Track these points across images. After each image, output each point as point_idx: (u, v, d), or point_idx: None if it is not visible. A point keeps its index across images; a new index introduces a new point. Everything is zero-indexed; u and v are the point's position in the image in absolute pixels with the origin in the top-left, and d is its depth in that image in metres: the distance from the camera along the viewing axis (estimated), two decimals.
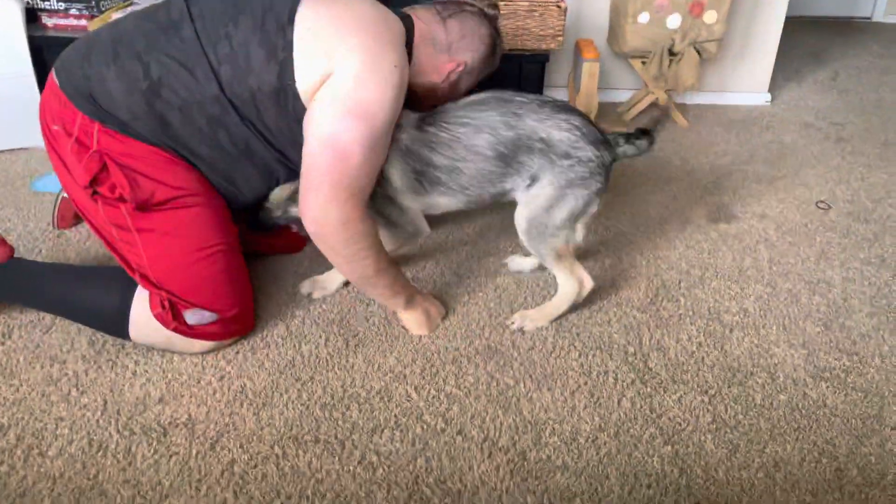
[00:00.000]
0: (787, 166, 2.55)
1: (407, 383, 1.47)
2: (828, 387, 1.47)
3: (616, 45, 2.85)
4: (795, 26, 4.65)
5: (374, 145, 1.39)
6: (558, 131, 1.50)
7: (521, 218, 1.59)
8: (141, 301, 1.47)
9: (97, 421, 1.35)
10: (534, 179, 1.54)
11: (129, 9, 2.55)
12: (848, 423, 1.39)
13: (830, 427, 1.38)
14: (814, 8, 5.05)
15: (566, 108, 1.55)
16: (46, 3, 2.47)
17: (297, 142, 1.43)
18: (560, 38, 2.39)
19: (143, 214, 1.42)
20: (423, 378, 1.48)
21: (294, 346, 1.57)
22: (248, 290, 1.59)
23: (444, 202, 1.62)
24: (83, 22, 2.50)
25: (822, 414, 1.41)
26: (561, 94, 3.17)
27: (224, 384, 1.45)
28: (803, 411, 1.41)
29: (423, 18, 1.55)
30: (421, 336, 1.60)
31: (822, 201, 2.28)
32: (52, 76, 1.43)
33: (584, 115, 1.56)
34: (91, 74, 1.38)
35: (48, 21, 2.51)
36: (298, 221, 1.50)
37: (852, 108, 3.19)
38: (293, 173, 1.55)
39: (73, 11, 2.50)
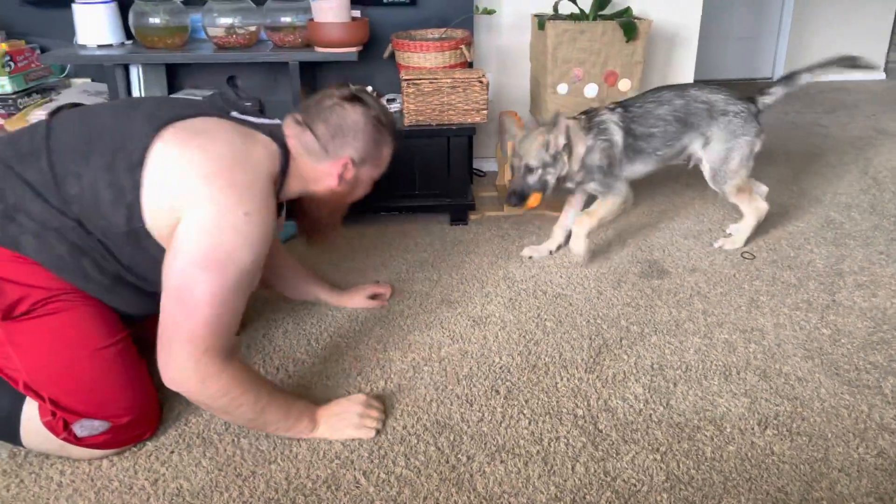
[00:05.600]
0: (710, 220, 2.66)
1: (355, 468, 1.41)
2: (773, 434, 1.49)
3: (539, 115, 2.95)
4: None
5: (226, 299, 1.29)
6: (713, 94, 2.24)
7: (706, 170, 2.29)
8: (32, 407, 1.38)
9: None
10: (707, 140, 2.24)
11: (45, 107, 2.51)
12: (797, 469, 1.40)
13: (780, 474, 1.39)
14: (719, 71, 5.40)
15: (718, 86, 2.28)
16: None
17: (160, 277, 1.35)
18: (484, 112, 2.46)
19: (16, 325, 1.33)
20: (372, 461, 1.43)
21: (233, 439, 1.49)
22: (148, 392, 1.48)
23: (640, 169, 2.27)
24: (0, 121, 2.45)
25: (770, 462, 1.42)
26: (490, 165, 3.25)
27: (158, 488, 1.36)
28: (753, 461, 1.42)
29: (291, 133, 1.48)
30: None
31: (746, 251, 2.37)
32: None
33: (729, 90, 2.29)
34: None
35: None
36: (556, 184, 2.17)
37: (764, 161, 3.37)
38: None
39: None
